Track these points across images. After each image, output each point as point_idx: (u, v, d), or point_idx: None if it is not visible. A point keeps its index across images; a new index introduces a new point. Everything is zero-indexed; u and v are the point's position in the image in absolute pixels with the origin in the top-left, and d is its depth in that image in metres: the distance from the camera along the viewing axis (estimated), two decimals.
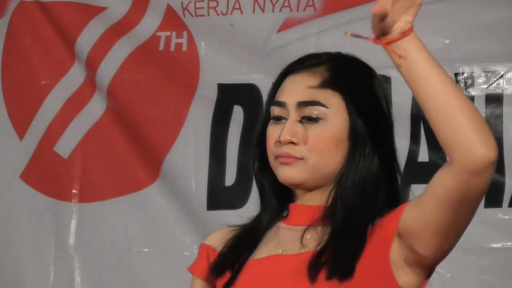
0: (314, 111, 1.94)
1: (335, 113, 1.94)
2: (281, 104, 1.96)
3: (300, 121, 1.94)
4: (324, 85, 1.97)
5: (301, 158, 1.92)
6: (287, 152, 1.92)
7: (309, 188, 1.98)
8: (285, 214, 2.01)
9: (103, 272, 3.65)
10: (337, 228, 1.93)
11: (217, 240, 2.05)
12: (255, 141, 2.04)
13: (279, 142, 1.93)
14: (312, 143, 1.93)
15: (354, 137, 1.95)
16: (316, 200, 1.97)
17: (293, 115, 1.95)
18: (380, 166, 1.95)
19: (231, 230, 2.04)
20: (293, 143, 1.92)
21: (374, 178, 1.95)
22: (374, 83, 2.01)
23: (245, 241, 2.00)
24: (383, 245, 1.90)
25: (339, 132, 1.94)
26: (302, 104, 1.93)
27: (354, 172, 1.96)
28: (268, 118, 2.00)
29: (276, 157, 1.94)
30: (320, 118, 1.93)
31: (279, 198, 2.00)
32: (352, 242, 1.92)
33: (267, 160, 1.99)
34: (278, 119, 1.97)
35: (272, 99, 2.00)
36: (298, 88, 1.98)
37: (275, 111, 1.98)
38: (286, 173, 1.94)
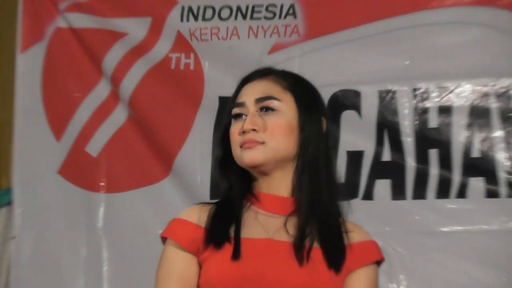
0: (269, 103, 2.13)
1: (286, 105, 2.14)
2: (242, 104, 2.14)
3: (259, 113, 2.13)
4: (276, 84, 2.17)
5: (262, 142, 2.10)
6: (250, 138, 2.09)
7: (270, 170, 2.14)
8: (254, 200, 2.17)
9: (126, 249, 3.88)
10: (323, 221, 2.13)
11: (192, 215, 2.18)
12: (220, 139, 2.21)
13: (243, 133, 2.10)
14: (270, 129, 2.10)
15: (303, 128, 2.15)
16: (282, 190, 2.15)
17: (252, 109, 2.12)
18: (325, 153, 2.17)
19: (202, 207, 2.19)
20: (254, 130, 2.10)
21: (320, 161, 2.16)
22: (313, 90, 2.23)
23: (228, 219, 2.14)
24: (347, 263, 2.13)
25: (291, 121, 2.13)
26: (259, 100, 2.13)
27: (306, 157, 2.15)
28: (229, 123, 2.16)
29: (241, 146, 2.11)
30: (275, 109, 2.12)
31: (242, 184, 2.18)
32: (341, 244, 2.14)
33: (230, 154, 2.16)
34: (239, 116, 2.14)
35: (232, 102, 2.18)
36: (254, 89, 2.17)
37: (236, 111, 2.14)
38: (250, 156, 2.10)
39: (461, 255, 3.58)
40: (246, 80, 2.20)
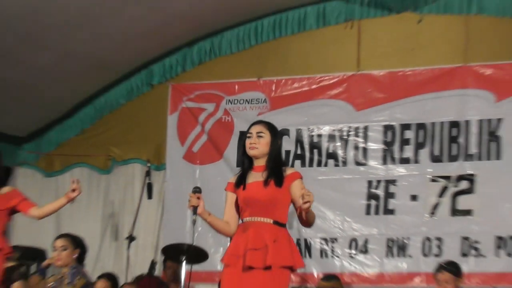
0: (260, 134, 2.36)
1: (266, 135, 2.37)
2: (251, 133, 2.37)
3: (257, 137, 2.36)
4: (263, 126, 2.40)
5: (257, 148, 2.36)
6: (252, 145, 2.36)
7: (259, 157, 2.36)
8: (252, 168, 2.37)
9: (207, 187, 3.91)
10: (274, 171, 2.31)
11: (233, 180, 2.41)
12: (242, 144, 2.41)
13: (250, 143, 2.35)
14: (260, 143, 2.35)
15: (272, 143, 2.37)
16: (262, 162, 2.38)
17: (254, 135, 2.35)
18: (279, 151, 2.42)
19: (236, 175, 2.41)
20: (254, 143, 2.36)
21: (277, 154, 2.41)
22: (276, 129, 2.46)
23: (242, 177, 2.37)
24: (287, 182, 2.31)
25: (268, 140, 2.36)
26: (257, 133, 2.37)
27: (272, 153, 2.38)
28: (245, 139, 2.39)
29: (249, 148, 2.35)
30: (262, 136, 2.36)
31: (249, 162, 2.40)
32: (282, 176, 2.33)
33: (245, 151, 2.38)
34: (249, 137, 2.37)
35: (247, 132, 2.40)
36: (255, 128, 2.38)
37: (248, 135, 2.37)
38: (253, 152, 2.35)
39: (325, 187, 4.11)
40: (253, 124, 2.46)
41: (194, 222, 2.31)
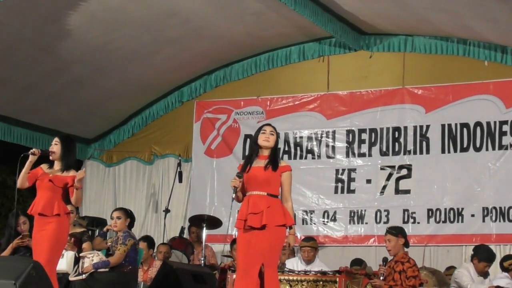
0: (272, 132, 2.28)
1: (275, 135, 2.29)
2: (265, 130, 2.27)
3: (270, 134, 2.28)
4: (274, 129, 2.32)
5: (269, 141, 2.26)
6: (267, 138, 2.26)
7: (268, 148, 2.25)
8: (258, 156, 2.25)
9: (220, 172, 4.06)
10: (273, 160, 2.22)
11: (241, 163, 2.29)
12: (255, 138, 2.27)
13: (265, 137, 2.24)
14: (271, 139, 2.27)
15: (276, 141, 2.30)
16: (266, 153, 2.27)
17: (268, 132, 2.27)
18: (277, 147, 2.30)
19: (243, 161, 2.31)
20: (268, 137, 2.27)
21: (276, 149, 2.31)
22: (278, 132, 2.37)
23: (249, 161, 2.26)
24: (280, 170, 2.22)
25: (275, 139, 2.29)
26: (270, 131, 2.27)
27: (274, 148, 2.27)
28: (258, 134, 2.26)
29: (264, 140, 2.24)
30: (273, 135, 2.29)
31: (256, 151, 2.28)
32: (278, 164, 2.23)
33: (255, 143, 2.26)
34: (264, 133, 2.26)
35: (261, 129, 2.28)
36: (269, 128, 2.30)
37: (263, 131, 2.26)
38: (266, 143, 2.24)
39: (305, 174, 3.92)
40: (266, 124, 2.36)
41: (233, 199, 2.18)
